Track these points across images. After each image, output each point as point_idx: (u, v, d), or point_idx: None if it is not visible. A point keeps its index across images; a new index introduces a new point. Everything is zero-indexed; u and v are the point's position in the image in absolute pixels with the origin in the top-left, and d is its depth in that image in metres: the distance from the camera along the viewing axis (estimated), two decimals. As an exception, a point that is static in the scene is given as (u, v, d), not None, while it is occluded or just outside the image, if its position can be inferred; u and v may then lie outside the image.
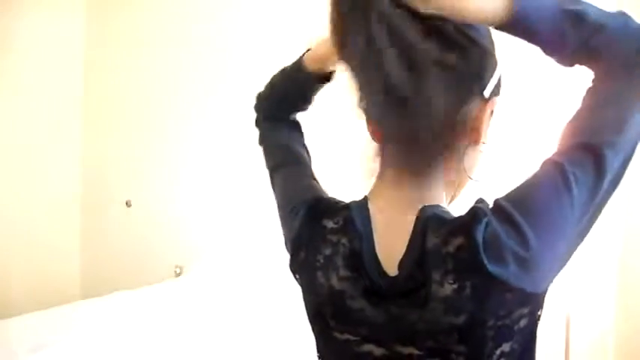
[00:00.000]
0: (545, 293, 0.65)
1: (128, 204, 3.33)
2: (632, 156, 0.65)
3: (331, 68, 0.86)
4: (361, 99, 0.70)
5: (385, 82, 0.63)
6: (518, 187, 0.65)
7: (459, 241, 0.63)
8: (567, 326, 2.02)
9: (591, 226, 0.65)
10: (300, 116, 0.96)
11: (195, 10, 3.11)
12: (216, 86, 3.02)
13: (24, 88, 3.24)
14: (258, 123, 0.96)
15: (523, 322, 0.63)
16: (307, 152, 0.91)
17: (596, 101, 0.66)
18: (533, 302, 0.64)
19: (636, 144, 0.66)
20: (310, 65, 0.86)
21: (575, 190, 0.62)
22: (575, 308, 2.04)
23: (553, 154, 0.66)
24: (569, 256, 0.65)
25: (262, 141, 0.94)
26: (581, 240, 0.65)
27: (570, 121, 0.67)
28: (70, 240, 3.50)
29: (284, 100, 0.92)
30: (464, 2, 0.63)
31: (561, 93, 2.10)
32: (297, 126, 0.94)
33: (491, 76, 0.71)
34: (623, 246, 2.06)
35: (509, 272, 0.60)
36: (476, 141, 0.72)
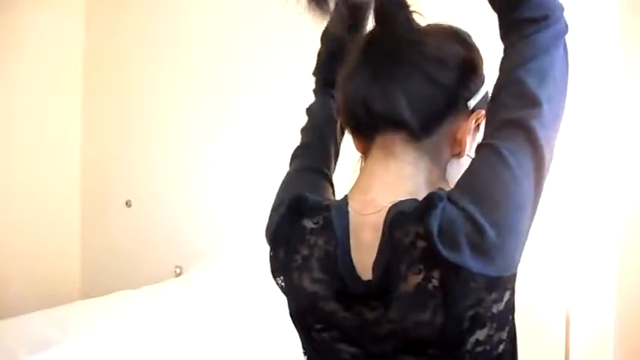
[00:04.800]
0: (514, 275, 0.65)
1: (128, 204, 3.33)
2: (561, 109, 0.66)
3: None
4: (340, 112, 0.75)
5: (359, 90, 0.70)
6: (461, 178, 0.66)
7: (416, 229, 0.62)
8: (567, 322, 2.01)
9: (541, 194, 0.65)
10: None
11: (194, 9, 3.11)
12: (216, 86, 3.02)
13: (24, 87, 3.24)
14: (309, 106, 0.95)
15: (496, 308, 0.63)
16: (335, 138, 0.90)
17: (508, 72, 0.66)
18: (502, 286, 0.63)
19: (560, 98, 0.66)
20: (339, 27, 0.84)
21: (513, 164, 0.62)
22: (574, 304, 2.04)
23: (483, 138, 0.67)
24: (528, 229, 0.64)
25: (307, 115, 0.93)
26: (535, 210, 0.65)
27: (490, 101, 0.68)
28: (70, 240, 3.50)
29: (329, 63, 0.90)
30: None
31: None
32: None
33: (478, 88, 0.72)
34: (622, 241, 2.06)
35: (465, 258, 0.60)
36: (459, 153, 0.72)
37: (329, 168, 0.88)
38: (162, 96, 3.22)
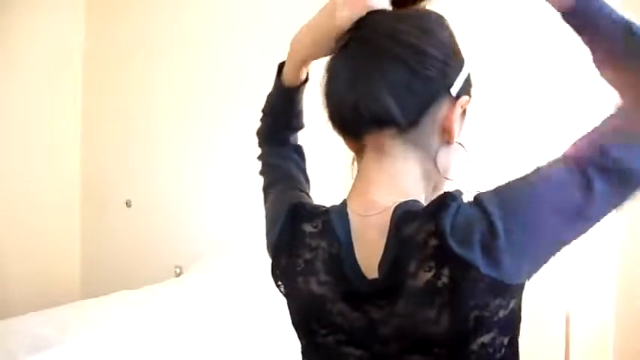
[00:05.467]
0: (521, 287, 0.65)
1: (128, 204, 3.33)
2: (632, 182, 0.64)
3: (305, 74, 0.87)
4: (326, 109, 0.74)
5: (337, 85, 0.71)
6: (502, 184, 0.66)
7: (429, 227, 0.63)
8: (567, 322, 2.02)
9: (577, 236, 0.65)
10: (301, 140, 0.95)
11: (194, 9, 3.11)
12: (216, 86, 3.02)
13: (24, 87, 3.24)
14: (259, 154, 0.95)
15: (502, 313, 0.63)
16: (304, 174, 0.91)
17: (608, 126, 0.65)
18: (509, 293, 0.63)
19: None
20: (287, 79, 0.86)
21: (558, 201, 0.62)
22: (575, 305, 2.04)
23: (548, 162, 0.66)
24: (547, 258, 0.64)
25: (261, 167, 0.93)
26: (563, 247, 0.65)
27: (579, 139, 0.66)
28: (70, 240, 3.50)
29: (277, 123, 0.92)
30: None
31: (548, 92, 2.11)
32: (297, 149, 0.93)
33: (458, 74, 0.71)
34: (623, 242, 2.06)
35: (475, 255, 0.61)
36: (448, 141, 0.72)
37: (303, 186, 0.88)
38: (162, 96, 3.22)
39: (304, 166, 0.93)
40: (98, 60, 3.48)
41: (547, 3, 0.67)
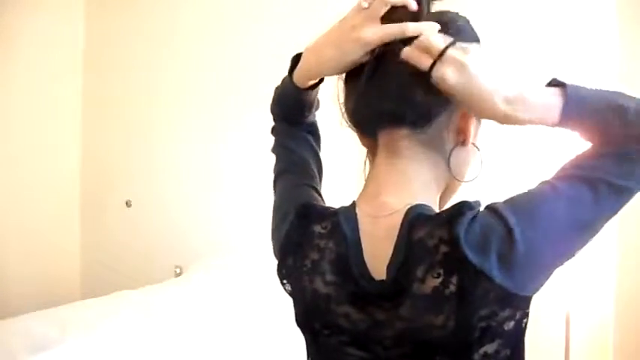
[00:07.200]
0: (529, 298, 0.65)
1: (128, 204, 3.33)
2: (624, 201, 0.66)
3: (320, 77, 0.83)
4: (346, 107, 0.74)
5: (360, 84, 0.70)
6: (514, 196, 0.66)
7: (441, 233, 0.63)
8: (567, 324, 2.02)
9: (582, 246, 0.66)
10: (317, 117, 0.91)
11: (194, 9, 3.11)
12: (216, 85, 3.02)
13: (24, 87, 3.23)
14: (273, 128, 0.91)
15: (507, 326, 0.63)
16: (317, 159, 0.89)
17: (606, 153, 0.65)
18: (517, 304, 0.63)
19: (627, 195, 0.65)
20: (299, 80, 0.81)
21: (570, 215, 0.63)
22: (574, 305, 2.04)
23: (553, 178, 0.66)
24: (556, 267, 0.65)
25: (274, 146, 0.90)
26: (571, 256, 0.66)
27: (577, 156, 0.67)
28: (70, 240, 3.50)
29: (290, 110, 0.87)
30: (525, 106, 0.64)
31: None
32: (312, 129, 0.90)
33: None
34: (622, 243, 2.06)
35: (490, 264, 0.60)
36: (463, 142, 0.72)
37: (318, 185, 0.86)
38: (162, 96, 3.22)
39: (319, 147, 0.90)
40: (98, 60, 3.48)
41: (538, 125, 0.67)
